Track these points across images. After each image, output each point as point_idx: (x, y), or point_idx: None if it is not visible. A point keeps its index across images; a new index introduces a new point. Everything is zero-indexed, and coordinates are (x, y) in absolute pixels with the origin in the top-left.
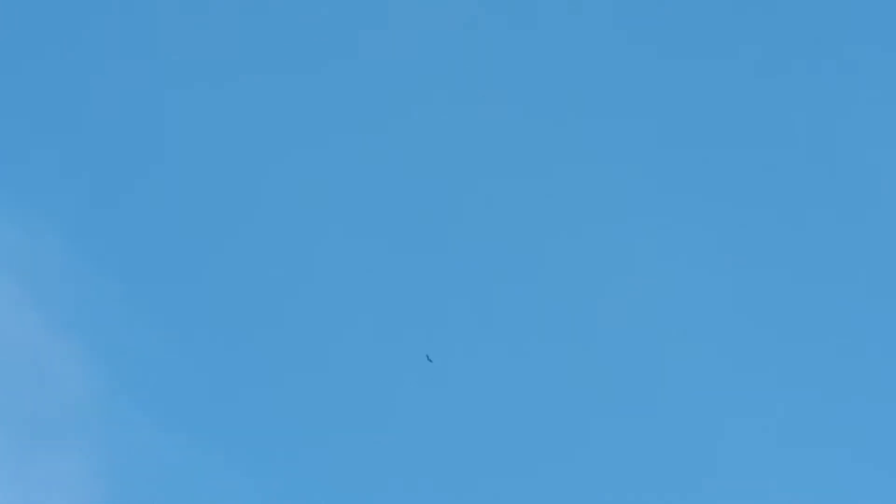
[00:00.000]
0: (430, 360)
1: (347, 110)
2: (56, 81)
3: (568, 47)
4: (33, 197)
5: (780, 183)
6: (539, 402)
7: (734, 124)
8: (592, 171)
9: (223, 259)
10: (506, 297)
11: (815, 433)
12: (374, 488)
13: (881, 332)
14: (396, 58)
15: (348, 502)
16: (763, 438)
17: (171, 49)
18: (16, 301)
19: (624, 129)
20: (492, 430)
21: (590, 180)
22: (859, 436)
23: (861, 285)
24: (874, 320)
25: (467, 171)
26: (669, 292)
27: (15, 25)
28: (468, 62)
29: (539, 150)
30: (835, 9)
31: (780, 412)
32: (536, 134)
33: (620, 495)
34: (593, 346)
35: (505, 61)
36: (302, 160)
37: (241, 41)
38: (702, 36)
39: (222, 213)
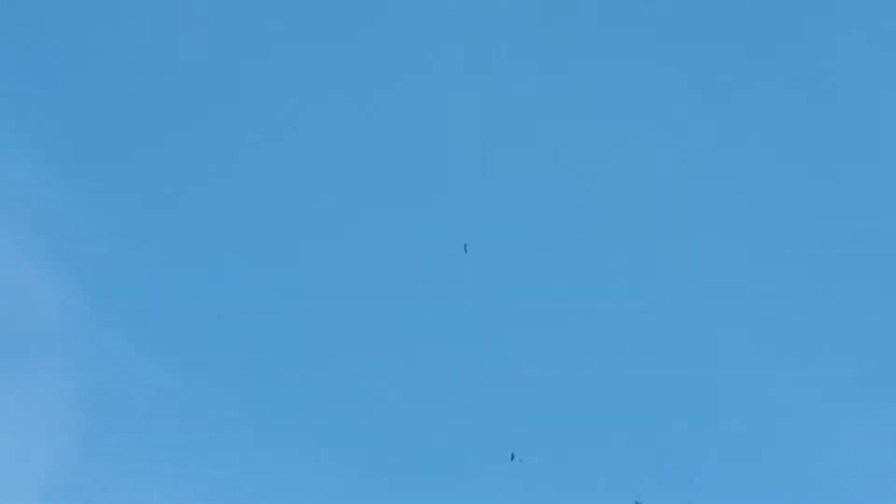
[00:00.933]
0: (466, 251)
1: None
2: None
3: None
4: (5, 110)
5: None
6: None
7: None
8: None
9: (210, 180)
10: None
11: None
12: (365, 407)
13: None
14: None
15: (339, 425)
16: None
17: None
18: None
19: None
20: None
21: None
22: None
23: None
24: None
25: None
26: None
27: None
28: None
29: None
30: None
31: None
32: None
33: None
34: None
35: None
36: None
37: None
38: None
39: (211, 134)
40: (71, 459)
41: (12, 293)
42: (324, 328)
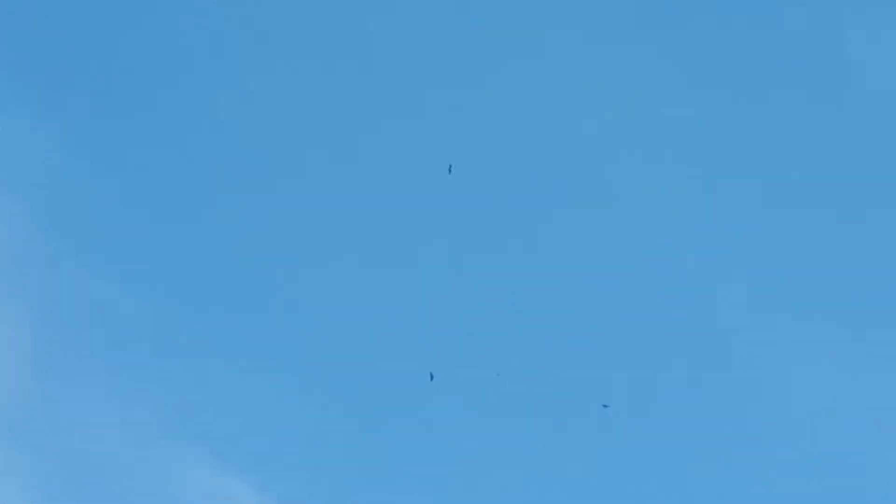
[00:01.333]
0: (451, 171)
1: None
2: None
3: None
4: None
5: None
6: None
7: None
8: None
9: (168, 101)
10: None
11: None
12: (323, 326)
13: None
14: None
15: (296, 346)
16: None
17: None
18: None
19: None
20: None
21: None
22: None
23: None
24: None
25: None
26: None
27: None
28: None
29: None
30: None
31: None
32: None
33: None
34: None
35: None
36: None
37: None
38: None
39: (171, 53)
40: (25, 383)
41: None
42: (282, 250)
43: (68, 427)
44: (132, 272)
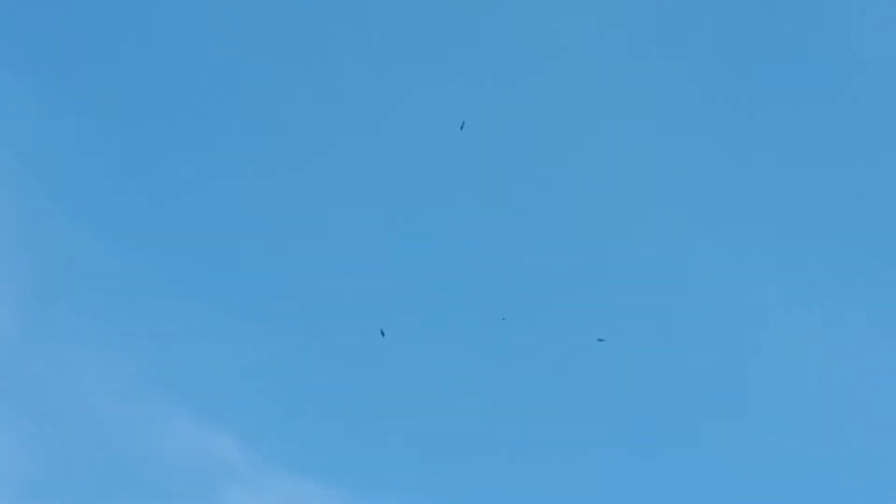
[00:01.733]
0: (460, 126)
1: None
2: None
3: None
4: None
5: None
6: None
7: None
8: None
9: (149, 54)
10: None
11: None
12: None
13: None
14: None
15: (275, 302)
16: None
17: None
18: None
19: None
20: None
21: None
22: None
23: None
24: None
25: None
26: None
27: None
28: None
29: None
30: None
31: None
32: None
33: None
34: None
35: None
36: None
37: None
38: None
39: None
40: (8, 337)
41: None
42: (259, 210)
43: (52, 382)
44: (117, 227)
